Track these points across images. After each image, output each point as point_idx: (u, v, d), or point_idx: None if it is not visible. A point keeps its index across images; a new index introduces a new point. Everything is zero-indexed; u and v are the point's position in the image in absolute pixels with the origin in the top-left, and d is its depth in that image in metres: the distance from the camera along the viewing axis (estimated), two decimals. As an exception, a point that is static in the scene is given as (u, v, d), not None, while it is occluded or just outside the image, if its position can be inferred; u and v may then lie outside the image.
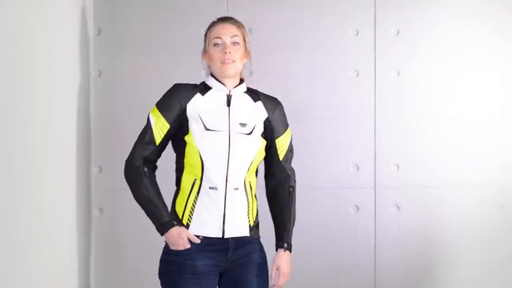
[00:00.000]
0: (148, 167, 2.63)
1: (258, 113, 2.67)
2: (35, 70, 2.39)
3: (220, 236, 2.59)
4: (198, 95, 2.65)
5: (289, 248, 2.70)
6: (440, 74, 3.78)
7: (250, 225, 2.64)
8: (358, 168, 3.76)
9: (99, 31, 3.65)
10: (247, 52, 2.68)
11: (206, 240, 2.58)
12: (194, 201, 2.57)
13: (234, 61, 2.60)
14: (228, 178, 2.59)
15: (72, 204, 3.10)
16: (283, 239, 2.70)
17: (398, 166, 3.77)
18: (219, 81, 2.66)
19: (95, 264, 3.67)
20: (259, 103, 2.69)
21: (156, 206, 2.58)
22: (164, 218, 2.58)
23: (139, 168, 2.60)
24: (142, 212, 3.71)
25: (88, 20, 3.49)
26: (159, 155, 2.67)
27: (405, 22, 3.76)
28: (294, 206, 2.73)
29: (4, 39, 2.01)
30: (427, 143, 3.78)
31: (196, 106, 2.63)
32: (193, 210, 2.57)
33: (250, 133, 2.61)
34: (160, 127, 2.61)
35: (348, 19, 3.75)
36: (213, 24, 2.71)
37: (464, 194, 3.79)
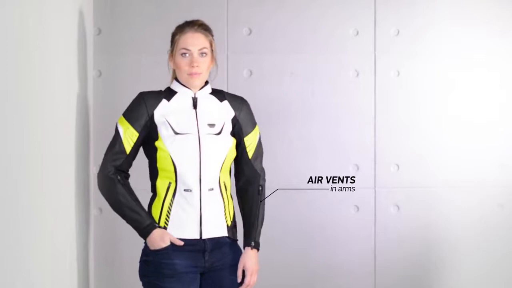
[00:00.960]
0: (121, 176, 2.64)
1: (225, 112, 2.69)
2: (35, 70, 2.38)
3: (198, 237, 2.61)
4: (164, 101, 2.70)
5: (256, 247, 2.65)
6: (440, 74, 3.78)
7: (228, 225, 2.66)
8: (358, 168, 3.76)
9: (99, 31, 3.65)
10: (213, 59, 2.71)
11: (184, 241, 2.61)
12: (170, 204, 2.60)
13: (201, 73, 2.65)
14: (201, 179, 2.61)
15: (72, 203, 3.10)
16: (250, 237, 2.67)
17: (398, 166, 3.77)
18: (184, 86, 2.71)
19: (95, 264, 3.67)
20: (225, 102, 2.71)
21: (136, 212, 2.60)
22: (146, 221, 2.60)
23: (112, 178, 2.61)
24: (142, 212, 3.71)
25: (88, 20, 3.49)
26: (130, 164, 2.70)
27: (405, 22, 3.76)
28: (263, 205, 2.70)
29: (4, 39, 2.01)
30: (427, 143, 3.78)
31: (163, 112, 2.67)
32: (169, 213, 2.61)
33: (219, 133, 2.63)
34: (129, 136, 2.63)
35: (348, 19, 3.75)
36: (181, 30, 2.70)
37: (464, 194, 3.79)
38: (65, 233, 2.94)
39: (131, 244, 3.70)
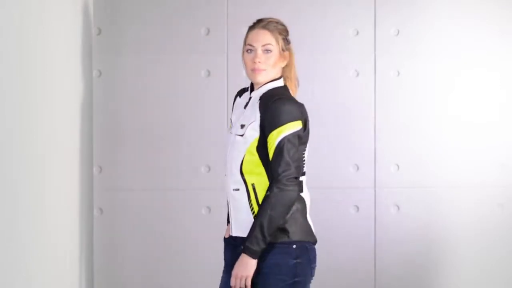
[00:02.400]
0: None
1: (255, 112, 2.62)
2: (35, 70, 2.39)
3: (231, 234, 2.66)
4: (238, 97, 2.78)
5: (245, 251, 2.51)
6: (440, 74, 3.78)
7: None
8: (358, 168, 3.76)
9: (99, 31, 3.65)
10: (283, 56, 2.65)
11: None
12: None
13: (264, 70, 2.61)
14: (227, 179, 2.64)
15: (73, 204, 3.10)
16: (244, 241, 2.56)
17: (398, 166, 3.77)
18: (252, 84, 2.72)
19: (96, 263, 3.67)
20: (260, 102, 2.65)
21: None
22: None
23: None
24: (141, 212, 3.73)
25: (88, 20, 3.49)
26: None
27: (405, 22, 3.77)
28: (265, 211, 2.48)
29: (4, 39, 2.01)
30: (427, 143, 3.78)
31: (234, 108, 2.77)
32: None
33: (243, 134, 2.60)
34: None
35: (348, 19, 3.75)
36: (251, 27, 2.69)
37: (464, 194, 3.79)
38: (66, 233, 2.94)
39: (132, 244, 3.71)
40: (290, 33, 3.48)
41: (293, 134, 2.50)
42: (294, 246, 2.54)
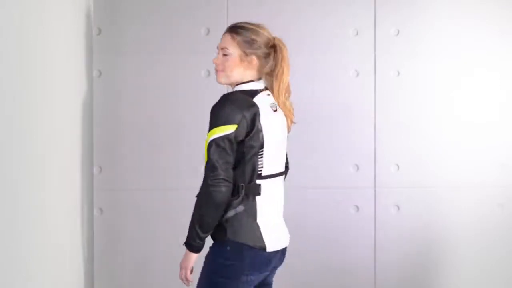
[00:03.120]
0: None
1: None
2: (35, 70, 2.39)
3: None
4: None
5: (185, 245, 2.61)
6: (440, 74, 3.78)
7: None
8: (358, 168, 3.76)
9: (99, 31, 3.65)
10: (246, 60, 2.65)
11: None
12: None
13: (222, 71, 2.67)
14: None
15: (73, 204, 3.10)
16: None
17: (398, 166, 3.77)
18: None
19: (96, 263, 3.67)
20: None
21: None
22: None
23: None
24: (141, 212, 3.73)
25: (88, 20, 3.49)
26: None
27: (405, 22, 3.77)
28: (196, 211, 2.55)
29: (4, 39, 2.01)
30: (427, 143, 3.78)
31: None
32: None
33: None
34: None
35: (348, 19, 3.75)
36: None
37: (464, 194, 3.79)
38: (66, 233, 2.94)
39: (132, 244, 3.71)
40: (290, 33, 3.48)
41: (221, 138, 2.51)
42: (228, 248, 2.56)
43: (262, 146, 2.57)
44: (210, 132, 2.53)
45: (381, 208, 3.77)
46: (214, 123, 2.54)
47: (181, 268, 2.63)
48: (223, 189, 2.50)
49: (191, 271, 2.62)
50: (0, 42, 1.97)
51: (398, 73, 3.77)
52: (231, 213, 2.56)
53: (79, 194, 3.26)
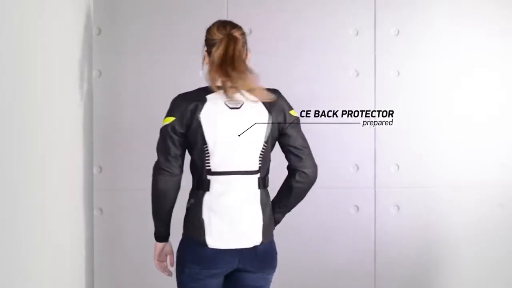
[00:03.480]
0: None
1: None
2: (35, 70, 2.38)
3: None
4: None
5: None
6: (440, 74, 3.78)
7: None
8: (358, 168, 3.76)
9: (99, 31, 3.65)
10: (204, 58, 2.72)
11: None
12: None
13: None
14: None
15: (73, 204, 3.10)
16: None
17: (398, 166, 3.77)
18: None
19: (96, 263, 3.67)
20: None
21: None
22: None
23: None
24: (141, 212, 3.73)
25: (88, 20, 3.49)
26: None
27: (405, 22, 3.77)
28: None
29: (4, 39, 2.01)
30: (427, 143, 3.78)
31: None
32: None
33: None
34: None
35: (348, 19, 3.75)
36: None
37: (464, 194, 3.79)
38: (66, 233, 2.94)
39: (132, 244, 3.71)
40: (290, 33, 3.48)
41: (164, 128, 2.64)
42: (181, 239, 2.67)
43: (205, 142, 2.57)
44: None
45: (381, 208, 3.77)
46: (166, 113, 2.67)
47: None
48: (160, 178, 2.62)
49: (162, 261, 2.77)
50: (0, 42, 1.97)
51: (398, 73, 3.77)
52: (187, 205, 2.67)
53: (79, 194, 3.25)
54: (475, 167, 3.79)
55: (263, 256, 2.63)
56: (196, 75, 3.71)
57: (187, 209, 2.66)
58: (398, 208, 3.78)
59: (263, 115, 2.60)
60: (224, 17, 3.69)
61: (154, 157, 3.73)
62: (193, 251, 2.58)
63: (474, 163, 3.79)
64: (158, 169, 2.63)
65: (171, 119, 2.60)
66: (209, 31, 2.66)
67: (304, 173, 2.70)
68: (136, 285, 3.71)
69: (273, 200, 2.73)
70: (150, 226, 3.76)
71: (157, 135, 3.87)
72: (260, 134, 2.61)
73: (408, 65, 3.77)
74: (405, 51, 3.77)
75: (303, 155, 2.69)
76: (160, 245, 2.73)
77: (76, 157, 3.20)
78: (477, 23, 3.79)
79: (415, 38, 3.77)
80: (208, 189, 2.59)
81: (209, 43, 2.65)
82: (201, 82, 3.71)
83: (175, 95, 3.51)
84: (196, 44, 3.70)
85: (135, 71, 3.68)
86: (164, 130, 2.63)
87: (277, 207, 2.73)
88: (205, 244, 2.56)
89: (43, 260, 2.51)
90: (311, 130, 3.75)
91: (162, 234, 2.70)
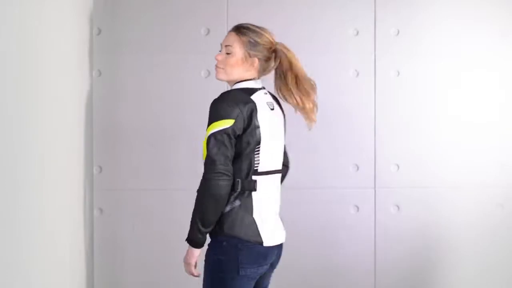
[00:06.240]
0: None
1: None
2: (35, 70, 2.39)
3: None
4: None
5: (186, 240, 2.63)
6: (440, 74, 3.78)
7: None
8: (358, 168, 3.76)
9: (99, 31, 3.65)
10: (248, 62, 2.66)
11: None
12: None
13: (222, 68, 2.68)
14: None
15: (73, 204, 3.10)
16: None
17: (398, 166, 3.77)
18: None
19: (96, 263, 3.67)
20: None
21: None
22: None
23: None
24: (141, 212, 3.73)
25: (88, 20, 3.49)
26: None
27: (405, 22, 3.77)
28: (195, 205, 2.57)
29: (4, 39, 2.01)
30: (427, 143, 3.78)
31: None
32: None
33: None
34: None
35: (348, 19, 3.75)
36: None
37: (464, 194, 3.79)
38: (66, 233, 2.94)
39: (132, 244, 3.71)
40: (290, 33, 3.48)
41: (220, 132, 2.52)
42: (224, 243, 2.56)
43: (259, 143, 2.58)
44: (209, 127, 2.54)
45: (381, 208, 3.77)
46: (212, 118, 2.55)
47: (185, 264, 2.65)
48: (222, 183, 2.51)
49: (195, 266, 2.64)
50: (0, 42, 1.97)
51: (398, 73, 3.77)
52: (227, 208, 2.57)
53: (79, 194, 3.26)
54: (475, 167, 3.79)
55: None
56: (196, 75, 3.72)
57: (229, 212, 2.57)
58: (398, 208, 3.78)
59: (282, 116, 2.77)
60: (224, 17, 3.70)
61: (154, 157, 3.74)
62: (247, 251, 2.56)
63: (474, 163, 3.79)
64: (216, 174, 2.50)
65: (230, 121, 2.52)
66: (264, 38, 2.69)
67: (287, 167, 2.85)
68: (136, 285, 3.71)
69: None
70: (150, 226, 3.77)
71: (157, 135, 3.86)
72: (283, 134, 2.77)
73: (408, 65, 3.77)
74: (405, 51, 3.77)
75: (287, 152, 2.84)
76: (198, 251, 2.61)
77: (76, 157, 3.20)
78: (477, 23, 3.79)
79: (415, 38, 3.77)
80: (255, 189, 2.59)
81: (262, 50, 2.68)
82: (201, 82, 3.72)
83: (175, 95, 3.52)
84: (196, 44, 3.72)
85: (135, 71, 3.68)
86: (221, 134, 2.52)
87: None
88: (260, 243, 2.57)
89: (43, 260, 2.51)
90: (310, 130, 3.76)
91: (202, 241, 2.59)
